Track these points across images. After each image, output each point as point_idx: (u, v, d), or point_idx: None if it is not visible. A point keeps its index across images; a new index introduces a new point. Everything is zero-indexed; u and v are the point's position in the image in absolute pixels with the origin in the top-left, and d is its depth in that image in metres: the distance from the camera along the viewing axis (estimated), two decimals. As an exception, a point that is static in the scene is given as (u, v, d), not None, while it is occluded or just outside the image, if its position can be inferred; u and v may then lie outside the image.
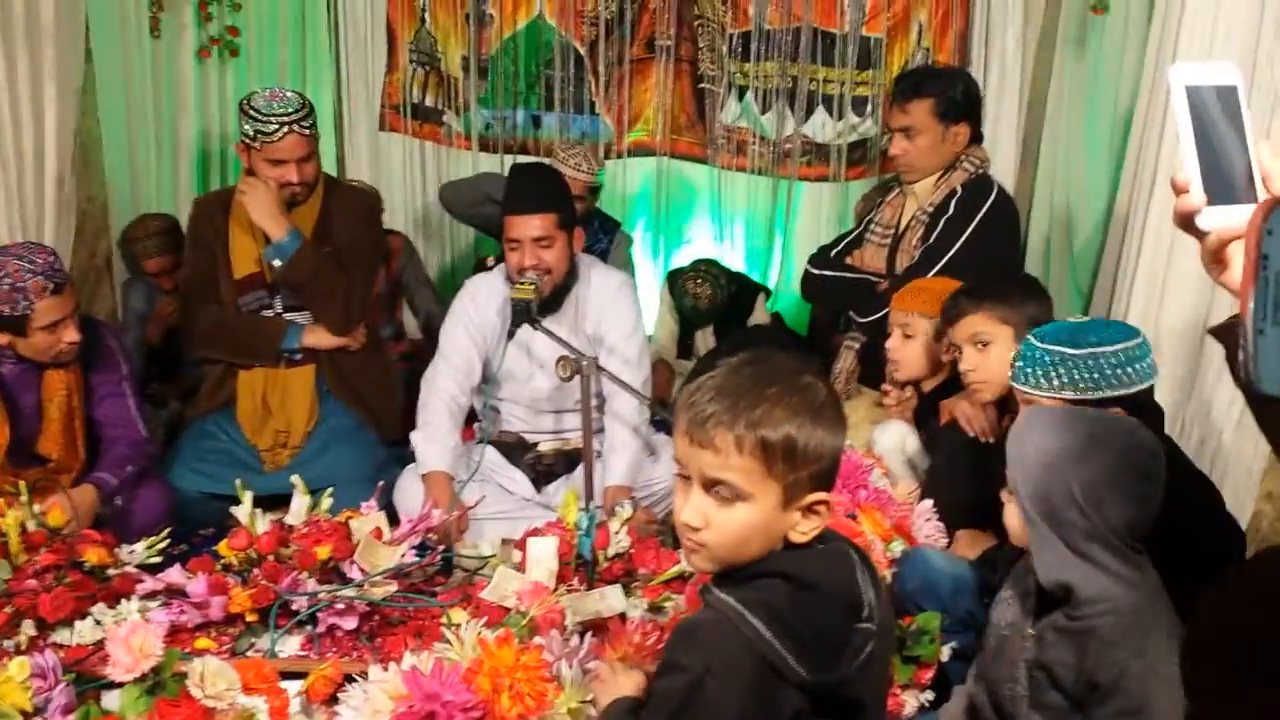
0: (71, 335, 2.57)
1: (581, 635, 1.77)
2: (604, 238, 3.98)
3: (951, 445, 2.50)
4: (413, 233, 4.41)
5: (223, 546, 2.06)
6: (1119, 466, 1.57)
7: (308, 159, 2.99)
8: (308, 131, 2.96)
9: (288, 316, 3.11)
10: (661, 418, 2.81)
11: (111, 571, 2.07)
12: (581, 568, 2.14)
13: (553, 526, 2.23)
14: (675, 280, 4.15)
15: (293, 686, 1.71)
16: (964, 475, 2.40)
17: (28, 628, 1.90)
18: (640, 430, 2.81)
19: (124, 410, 2.76)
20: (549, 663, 1.63)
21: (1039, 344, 1.95)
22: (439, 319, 3.14)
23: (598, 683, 1.50)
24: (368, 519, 2.12)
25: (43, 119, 3.05)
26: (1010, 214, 3.11)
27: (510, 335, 2.57)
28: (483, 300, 2.90)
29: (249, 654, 1.92)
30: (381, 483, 2.40)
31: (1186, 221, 0.92)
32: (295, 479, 2.22)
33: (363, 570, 2.02)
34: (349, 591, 1.97)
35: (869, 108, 4.31)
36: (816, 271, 3.30)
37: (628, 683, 1.41)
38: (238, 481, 2.18)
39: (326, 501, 2.18)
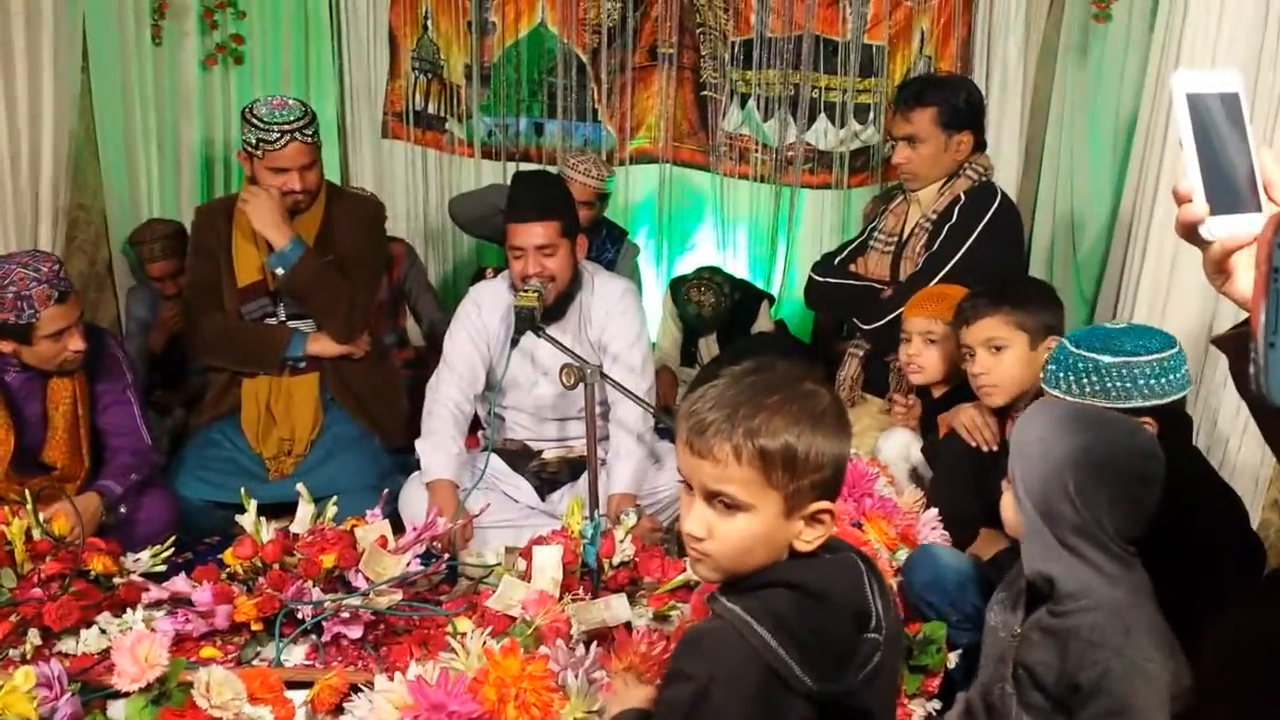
0: (76, 344, 2.57)
1: (587, 644, 1.76)
2: (611, 247, 3.98)
3: (951, 456, 2.50)
4: (415, 240, 4.42)
5: (228, 555, 2.06)
6: (1116, 466, 1.58)
7: (310, 167, 2.99)
8: (310, 139, 2.96)
9: (291, 324, 3.11)
10: (666, 425, 2.81)
11: (117, 580, 2.07)
12: (586, 576, 2.14)
13: (557, 535, 2.22)
14: (678, 288, 4.16)
15: (298, 696, 1.70)
16: (964, 486, 2.40)
17: (33, 637, 1.89)
18: (645, 438, 2.80)
19: (129, 418, 2.76)
20: (554, 672, 1.62)
21: (1074, 349, 1.93)
22: (442, 326, 3.14)
23: (609, 693, 1.50)
24: (373, 527, 2.11)
25: (39, 126, 3.05)
26: (1014, 221, 3.11)
27: (514, 343, 2.57)
28: (487, 308, 2.90)
29: (254, 663, 1.91)
30: (386, 491, 2.39)
31: (1189, 231, 0.91)
32: (300, 487, 2.21)
33: (368, 579, 2.01)
34: (354, 600, 1.96)
35: (871, 115, 4.32)
36: (821, 279, 3.30)
37: (638, 695, 1.40)
38: (242, 490, 2.17)
39: (331, 510, 2.18)
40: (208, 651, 1.90)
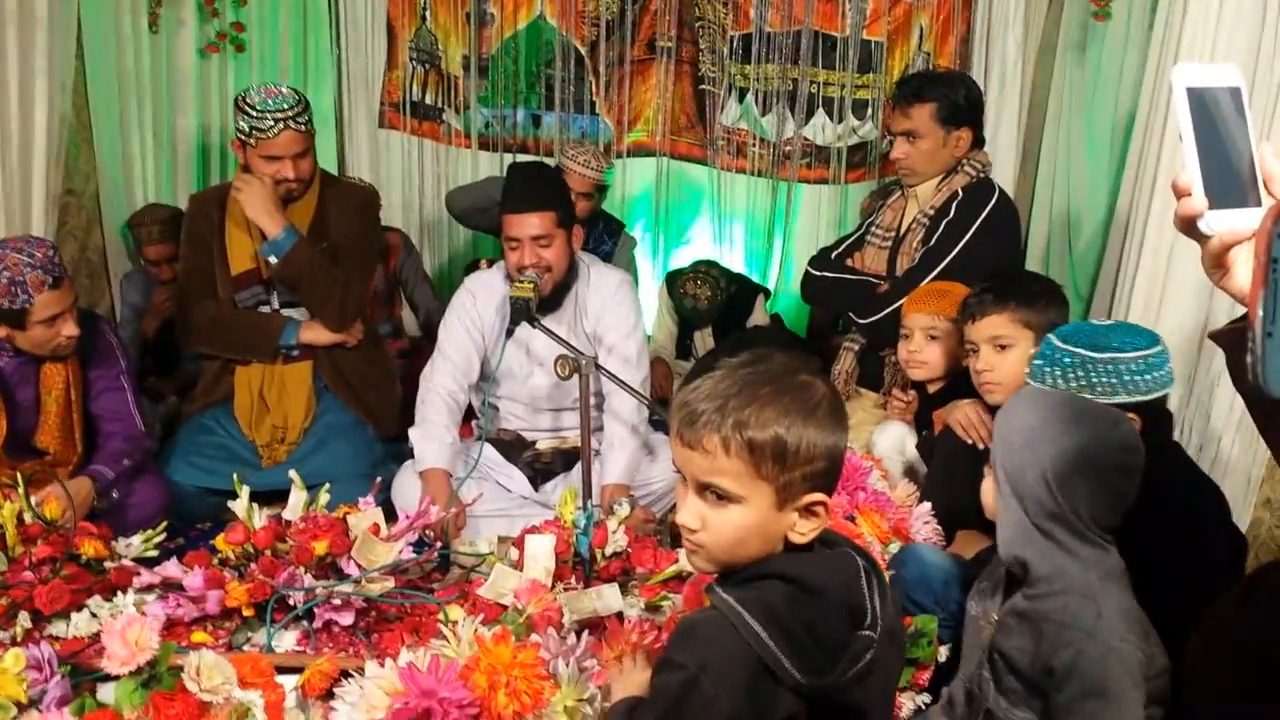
0: (70, 329, 2.56)
1: (579, 633, 1.76)
2: (609, 240, 3.98)
3: (946, 452, 2.51)
4: (411, 230, 4.42)
5: (219, 541, 2.06)
6: (1094, 455, 1.59)
7: (303, 155, 2.98)
8: (303, 127, 2.95)
9: (285, 312, 3.10)
10: (660, 417, 2.81)
11: (108, 564, 2.07)
12: (579, 566, 2.14)
13: (550, 524, 2.23)
14: (674, 281, 4.15)
15: (289, 681, 1.70)
16: (959, 482, 2.40)
17: (23, 620, 1.89)
18: (639, 429, 2.81)
19: (122, 404, 2.75)
20: (546, 660, 1.62)
21: (1060, 344, 1.94)
22: (438, 316, 3.13)
23: (615, 671, 1.50)
24: (365, 515, 2.11)
25: (30, 111, 3.03)
26: (1011, 218, 3.11)
27: (509, 333, 2.57)
28: (482, 298, 2.90)
29: (245, 648, 1.91)
30: (379, 479, 2.39)
31: (1188, 225, 0.90)
32: (293, 474, 2.21)
33: (360, 566, 2.01)
34: (346, 587, 1.96)
35: (869, 111, 4.32)
36: (817, 273, 3.29)
37: (641, 679, 1.40)
38: (235, 476, 2.17)
39: (324, 497, 2.18)
40: (198, 636, 1.90)
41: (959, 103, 3.03)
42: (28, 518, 2.08)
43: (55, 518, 2.11)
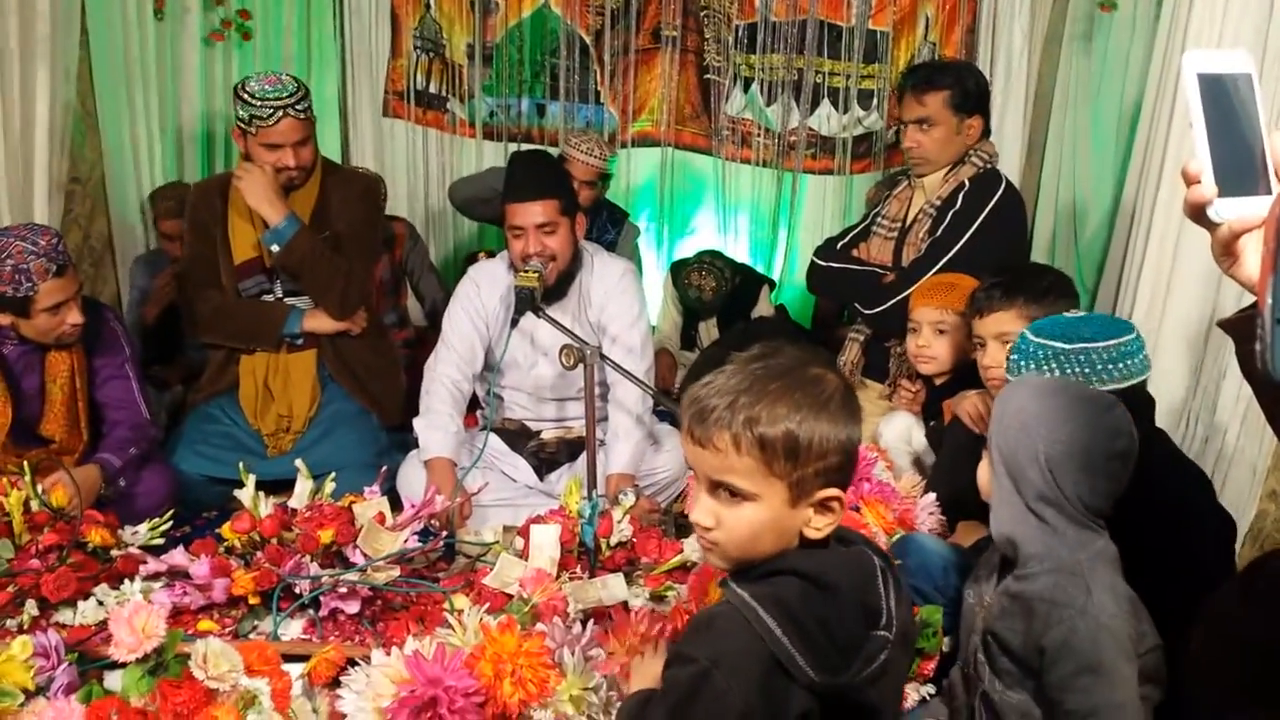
0: (74, 317, 2.56)
1: (584, 623, 1.77)
2: (612, 229, 3.97)
3: (954, 442, 2.50)
4: (415, 220, 4.41)
5: (226, 529, 2.06)
6: (1087, 439, 1.60)
7: (304, 143, 2.97)
8: (303, 115, 2.94)
9: (289, 301, 3.10)
10: (665, 407, 2.81)
11: (114, 552, 2.07)
12: (584, 556, 2.14)
13: (555, 514, 2.23)
14: (679, 272, 4.15)
15: (295, 669, 1.71)
16: (964, 472, 2.40)
17: (30, 607, 1.90)
18: (643, 419, 2.80)
19: (127, 392, 2.75)
20: (551, 649, 1.63)
21: (1034, 338, 1.96)
22: (443, 306, 3.13)
23: (635, 659, 1.50)
24: (371, 504, 2.12)
25: (33, 99, 3.03)
26: (1017, 209, 3.10)
27: (514, 323, 2.56)
28: (486, 288, 2.90)
29: (251, 637, 1.91)
30: (385, 468, 2.39)
31: (1197, 212, 0.90)
32: (299, 463, 2.21)
33: (365, 555, 2.01)
34: (352, 576, 1.97)
35: (874, 101, 4.31)
36: (823, 263, 3.29)
37: (657, 671, 1.41)
38: (241, 464, 2.18)
39: (330, 486, 2.18)
40: (205, 624, 1.91)
41: (970, 89, 3.03)
42: (34, 506, 2.08)
43: (62, 506, 2.12)
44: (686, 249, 4.52)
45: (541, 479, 2.88)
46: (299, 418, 3.04)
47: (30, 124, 3.04)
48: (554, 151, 3.91)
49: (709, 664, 1.16)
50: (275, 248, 2.93)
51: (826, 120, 4.36)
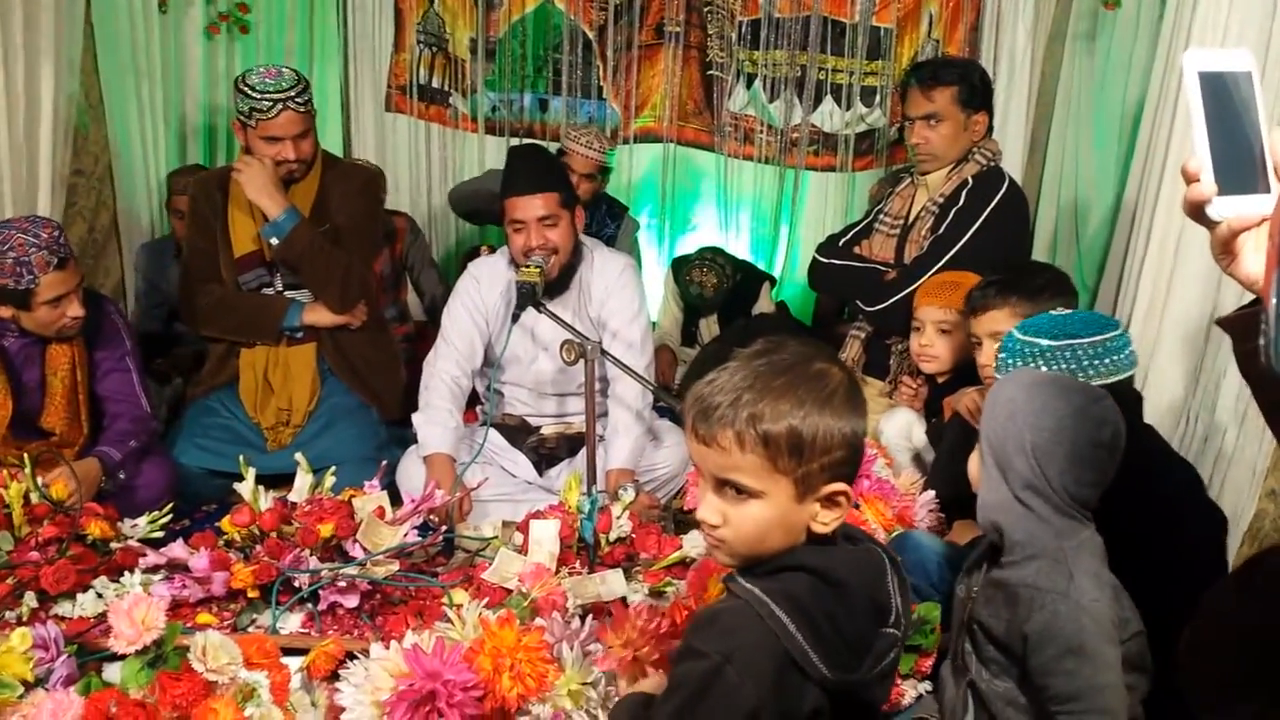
0: (75, 310, 2.56)
1: (583, 618, 1.77)
2: (611, 223, 3.97)
3: (953, 439, 2.50)
4: (416, 215, 4.40)
5: (225, 522, 2.06)
6: (1074, 428, 1.62)
7: (304, 136, 2.96)
8: (303, 108, 2.93)
9: (289, 294, 3.09)
10: (665, 402, 2.81)
11: (114, 545, 2.08)
12: (583, 551, 2.15)
13: (555, 509, 2.23)
14: (680, 268, 4.15)
15: (294, 663, 1.71)
16: (963, 468, 2.40)
17: (30, 599, 1.90)
18: (643, 415, 2.80)
19: (127, 385, 2.75)
20: (550, 644, 1.63)
21: (1020, 335, 1.98)
22: (443, 301, 3.13)
23: (623, 670, 1.51)
24: (370, 498, 2.12)
25: (37, 90, 3.03)
26: (1020, 207, 3.10)
27: (514, 318, 2.56)
28: (486, 283, 2.90)
29: (250, 630, 1.92)
30: (385, 462, 2.39)
31: (1196, 210, 0.90)
32: (299, 456, 2.22)
33: (365, 549, 2.02)
34: (351, 570, 1.97)
35: (877, 98, 4.30)
36: (825, 260, 3.29)
37: (651, 683, 1.41)
38: (241, 457, 2.18)
39: (329, 480, 2.18)
40: (204, 617, 1.91)
41: (976, 86, 3.03)
42: (34, 498, 2.08)
43: (62, 498, 2.12)
44: (688, 245, 4.51)
45: (541, 474, 2.88)
46: (299, 411, 3.04)
47: (35, 116, 3.03)
48: (554, 146, 3.92)
49: (721, 659, 1.15)
50: (275, 241, 2.93)
51: (829, 117, 4.35)
